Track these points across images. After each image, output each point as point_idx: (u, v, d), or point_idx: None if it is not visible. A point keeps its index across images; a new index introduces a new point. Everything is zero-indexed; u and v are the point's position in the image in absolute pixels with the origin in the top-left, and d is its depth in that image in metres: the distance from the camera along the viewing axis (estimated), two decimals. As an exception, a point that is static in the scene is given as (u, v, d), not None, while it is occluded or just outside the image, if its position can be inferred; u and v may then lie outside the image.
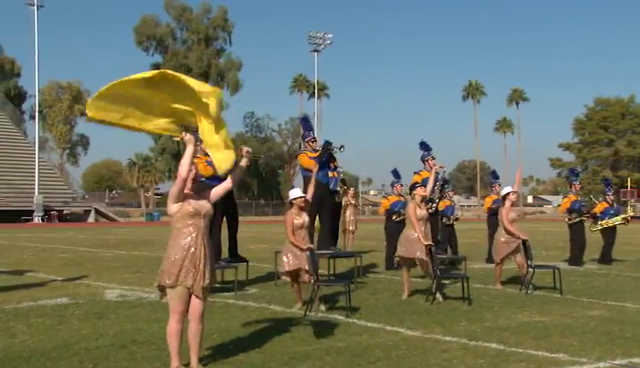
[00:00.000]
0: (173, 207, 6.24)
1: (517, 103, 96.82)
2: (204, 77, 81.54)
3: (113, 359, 6.71)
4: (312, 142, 12.34)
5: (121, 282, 12.90)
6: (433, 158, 13.60)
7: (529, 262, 11.82)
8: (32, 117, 73.35)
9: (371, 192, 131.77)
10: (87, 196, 74.22)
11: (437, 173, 13.67)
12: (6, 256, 17.28)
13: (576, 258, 16.73)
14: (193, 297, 6.33)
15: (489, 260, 16.19)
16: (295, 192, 9.75)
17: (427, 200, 13.34)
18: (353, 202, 19.06)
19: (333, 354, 7.05)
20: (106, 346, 7.28)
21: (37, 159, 59.62)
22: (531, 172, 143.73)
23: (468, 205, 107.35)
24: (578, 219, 16.88)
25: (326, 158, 12.29)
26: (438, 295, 10.67)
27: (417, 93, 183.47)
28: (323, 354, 7.05)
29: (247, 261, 12.52)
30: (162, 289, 6.38)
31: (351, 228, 18.49)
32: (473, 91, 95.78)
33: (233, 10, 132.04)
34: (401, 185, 16.11)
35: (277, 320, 8.95)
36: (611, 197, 17.93)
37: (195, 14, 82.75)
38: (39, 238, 28.83)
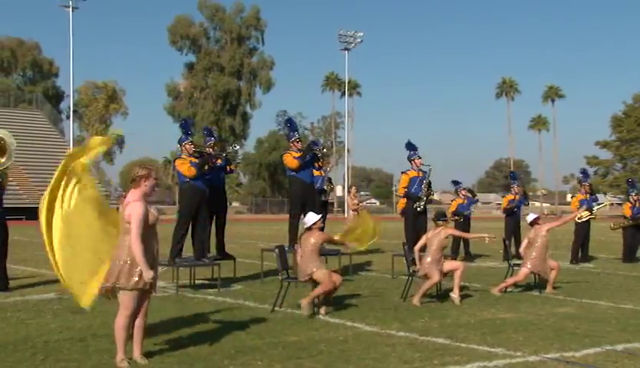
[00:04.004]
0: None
1: (553, 100, 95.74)
2: (237, 75, 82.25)
3: (66, 352, 7.04)
4: (297, 142, 12.60)
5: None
6: (420, 157, 13.73)
7: (509, 261, 11.99)
8: (69, 117, 74.78)
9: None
10: (124, 194, 75.25)
11: (424, 172, 13.84)
12: (18, 253, 17.79)
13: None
14: (139, 293, 6.68)
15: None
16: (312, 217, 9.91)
17: (413, 199, 13.55)
18: (355, 201, 19.30)
19: (279, 348, 7.31)
20: (65, 339, 7.62)
21: (71, 158, 60.78)
22: (570, 170, 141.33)
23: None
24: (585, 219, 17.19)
25: (310, 157, 12.56)
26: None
27: (450, 91, 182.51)
28: (269, 348, 7.30)
29: (234, 259, 12.86)
30: (111, 289, 6.70)
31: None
32: (507, 89, 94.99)
33: (265, 9, 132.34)
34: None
35: (243, 315, 9.21)
36: (635, 197, 17.62)
37: (228, 13, 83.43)
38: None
